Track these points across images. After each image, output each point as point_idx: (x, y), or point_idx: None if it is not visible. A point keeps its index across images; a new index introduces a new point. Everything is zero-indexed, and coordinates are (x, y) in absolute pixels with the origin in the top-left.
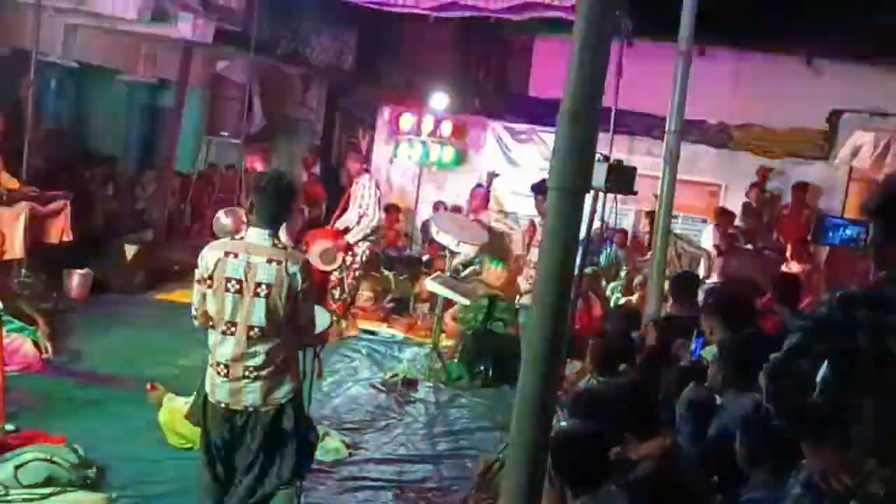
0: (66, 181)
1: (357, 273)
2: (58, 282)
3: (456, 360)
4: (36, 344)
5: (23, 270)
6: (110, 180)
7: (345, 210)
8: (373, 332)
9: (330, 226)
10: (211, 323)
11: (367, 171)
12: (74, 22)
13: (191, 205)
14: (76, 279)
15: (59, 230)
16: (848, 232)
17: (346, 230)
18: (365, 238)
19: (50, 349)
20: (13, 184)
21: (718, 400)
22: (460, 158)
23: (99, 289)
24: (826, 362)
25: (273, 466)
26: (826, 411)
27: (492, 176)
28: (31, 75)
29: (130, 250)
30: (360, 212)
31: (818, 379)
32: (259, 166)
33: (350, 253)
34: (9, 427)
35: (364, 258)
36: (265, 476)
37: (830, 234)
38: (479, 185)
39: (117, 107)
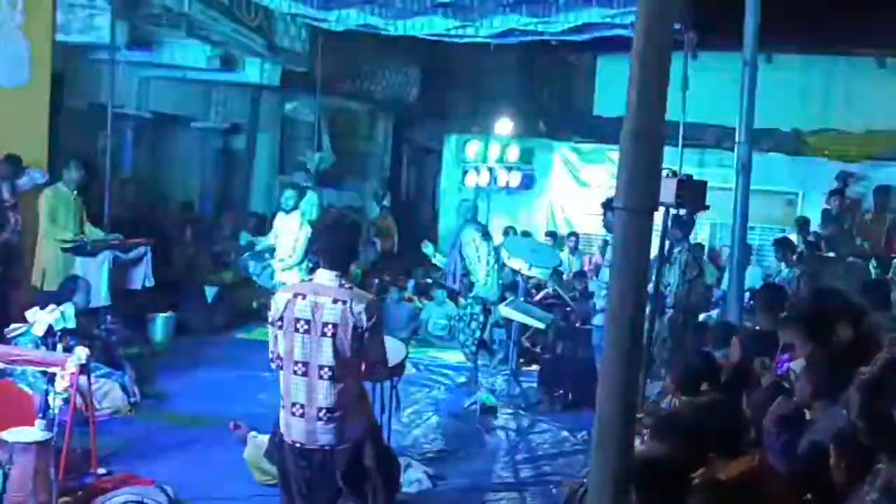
0: (145, 228)
1: None
2: (142, 326)
3: (535, 385)
4: (124, 388)
5: (108, 317)
6: (188, 225)
7: None
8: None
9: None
10: (282, 363)
11: None
12: (148, 74)
13: None
14: (160, 323)
15: (142, 276)
16: None
17: None
18: None
19: (137, 393)
20: (97, 234)
21: (807, 415)
22: (529, 182)
23: (182, 331)
24: None
25: (358, 502)
26: None
27: None
28: (108, 128)
29: (211, 292)
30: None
31: None
32: None
33: None
34: (101, 471)
35: None
36: None
37: None
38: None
39: (191, 153)
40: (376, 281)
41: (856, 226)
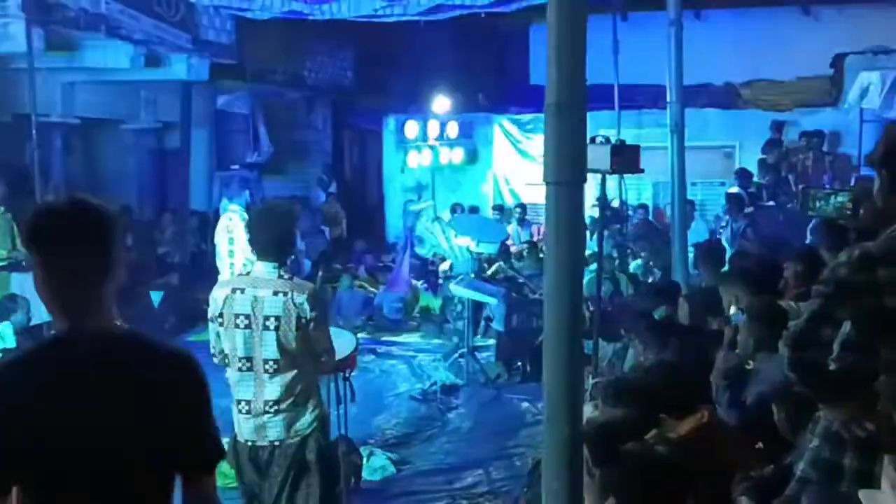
0: None
1: None
2: None
3: (493, 360)
4: None
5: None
6: (127, 230)
7: None
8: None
9: None
10: (227, 361)
11: None
12: (71, 79)
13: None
14: None
15: None
16: (839, 199)
17: None
18: None
19: None
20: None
21: (751, 365)
22: (471, 158)
23: None
24: (848, 324)
25: (299, 499)
26: (848, 373)
27: None
28: (33, 138)
29: (157, 296)
30: None
31: (837, 341)
32: None
33: None
34: None
35: None
36: None
37: (820, 204)
38: None
39: (125, 156)
40: (319, 273)
41: (796, 173)
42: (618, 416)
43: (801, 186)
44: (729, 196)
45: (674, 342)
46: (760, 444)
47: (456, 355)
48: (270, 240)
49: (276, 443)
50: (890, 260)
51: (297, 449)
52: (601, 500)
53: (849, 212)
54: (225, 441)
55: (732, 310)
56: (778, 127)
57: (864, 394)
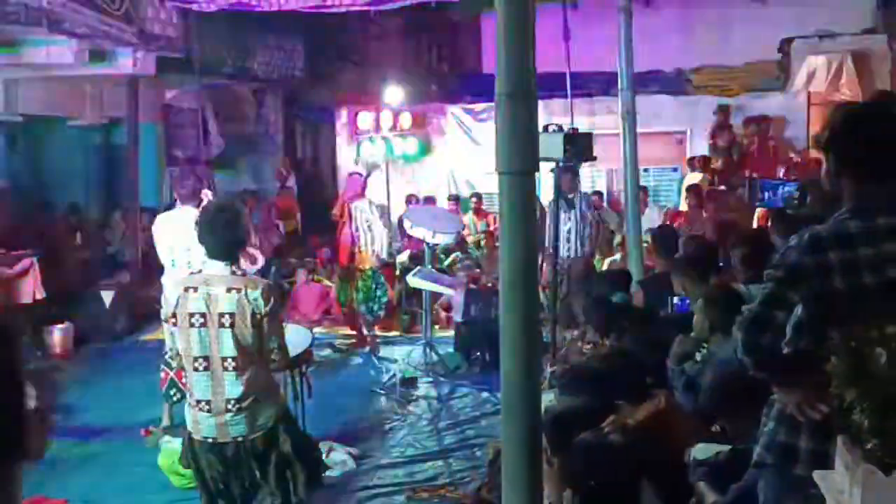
0: (30, 238)
1: None
2: (39, 340)
3: (452, 350)
4: None
5: None
6: (76, 229)
7: None
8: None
9: None
10: (182, 360)
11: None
12: (13, 76)
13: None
14: (57, 335)
15: (31, 289)
16: (787, 189)
17: None
18: None
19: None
20: None
21: (705, 348)
22: (425, 148)
23: (82, 340)
24: (800, 308)
25: (271, 492)
26: (801, 357)
27: (372, 167)
28: None
29: (108, 296)
30: None
31: (790, 325)
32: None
33: None
34: None
35: None
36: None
37: (767, 194)
38: (355, 174)
39: (71, 153)
40: (273, 268)
41: (742, 157)
42: (575, 405)
43: (748, 175)
44: (689, 188)
45: (629, 328)
46: (717, 427)
47: (414, 347)
48: (219, 239)
49: (240, 438)
50: (839, 243)
51: (266, 442)
52: (560, 489)
53: (796, 201)
54: (175, 441)
55: (676, 299)
56: (723, 111)
57: (817, 376)
